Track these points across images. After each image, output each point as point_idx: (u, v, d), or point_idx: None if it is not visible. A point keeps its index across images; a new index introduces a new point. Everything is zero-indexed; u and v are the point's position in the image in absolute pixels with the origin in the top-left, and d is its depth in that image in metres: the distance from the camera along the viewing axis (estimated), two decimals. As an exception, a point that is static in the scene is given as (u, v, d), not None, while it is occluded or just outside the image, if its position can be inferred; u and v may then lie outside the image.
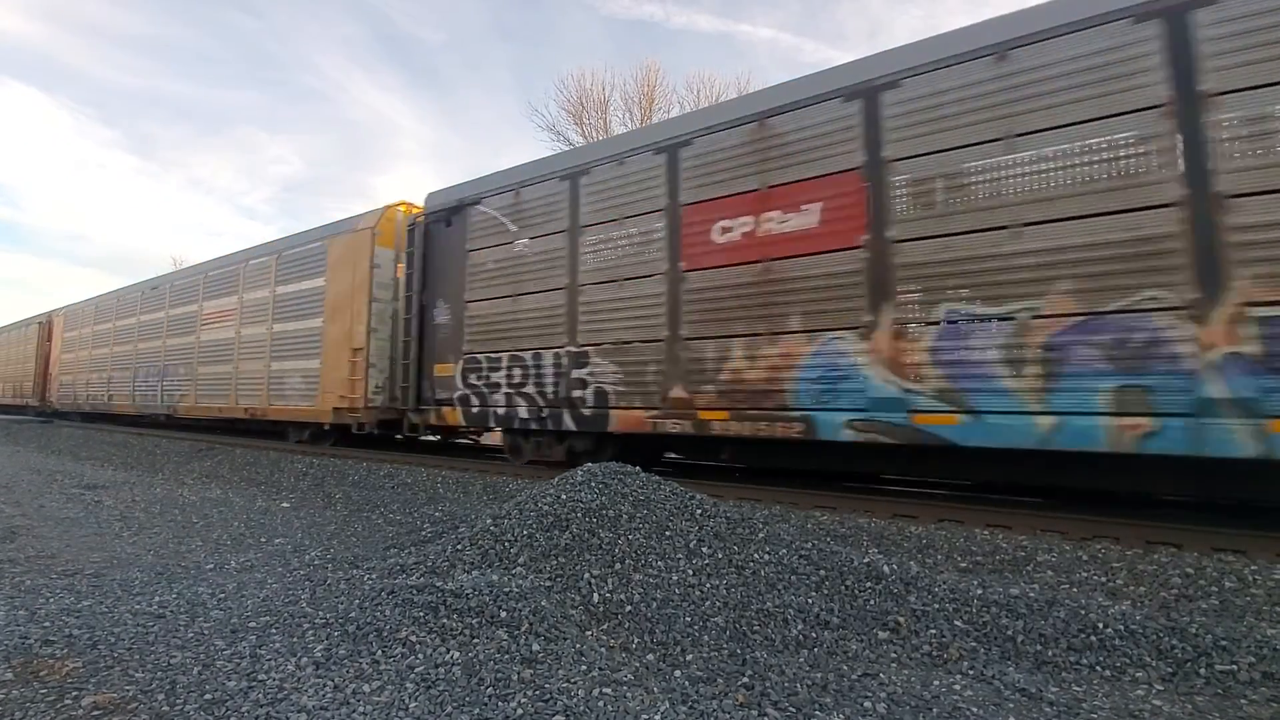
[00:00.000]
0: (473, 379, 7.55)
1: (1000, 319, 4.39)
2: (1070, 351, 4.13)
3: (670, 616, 2.89)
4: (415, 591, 2.92)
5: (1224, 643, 2.59)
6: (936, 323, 4.62)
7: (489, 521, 3.67)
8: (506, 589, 2.89)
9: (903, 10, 36.01)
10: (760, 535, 3.52)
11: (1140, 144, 4.01)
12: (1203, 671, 2.52)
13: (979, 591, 3.01)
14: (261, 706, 2.13)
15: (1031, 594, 2.99)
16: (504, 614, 2.72)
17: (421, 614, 2.76)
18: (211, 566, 3.92)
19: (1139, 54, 4.05)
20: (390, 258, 9.18)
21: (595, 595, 3.03)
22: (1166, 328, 3.86)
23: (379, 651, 2.53)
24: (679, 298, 5.90)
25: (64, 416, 18.26)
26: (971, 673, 2.55)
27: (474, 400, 7.50)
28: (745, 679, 2.44)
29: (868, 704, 2.27)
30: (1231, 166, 3.75)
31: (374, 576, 3.44)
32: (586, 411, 6.41)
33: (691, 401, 5.73)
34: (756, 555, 3.34)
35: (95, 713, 2.09)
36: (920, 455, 5.12)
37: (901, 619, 2.88)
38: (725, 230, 5.70)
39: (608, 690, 2.25)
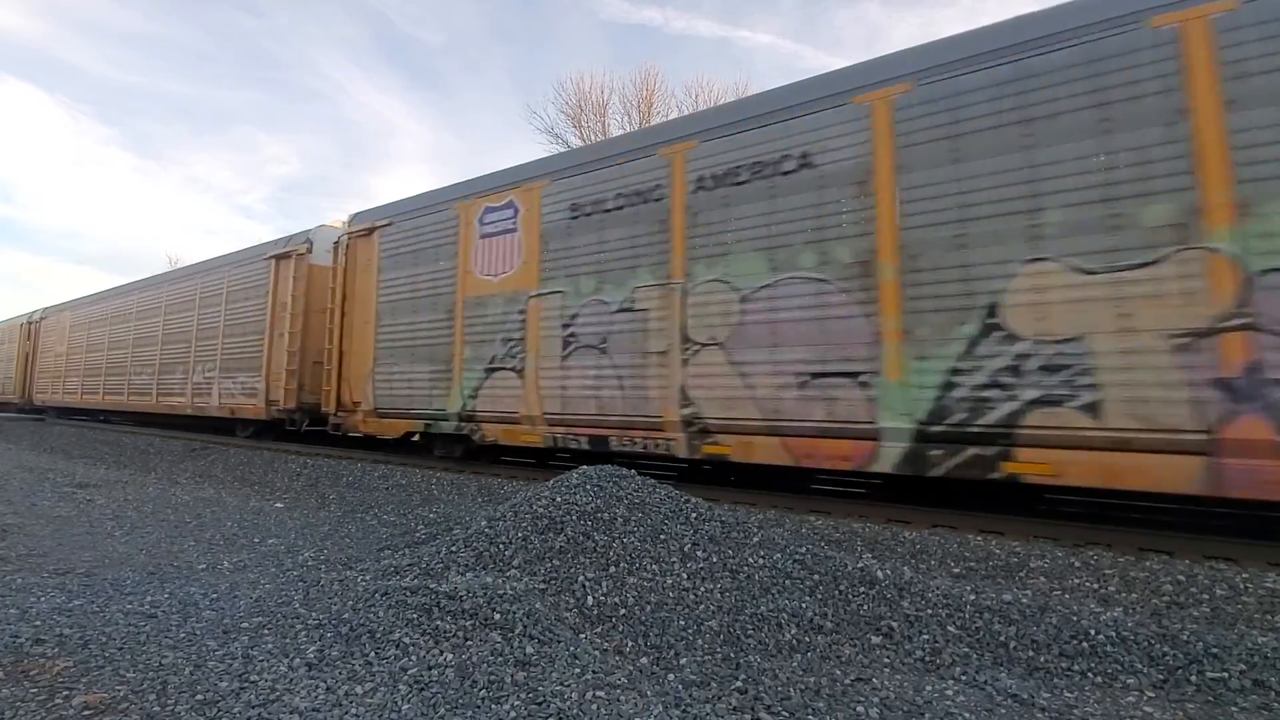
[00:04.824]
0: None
1: None
2: None
3: (664, 620, 2.89)
4: (409, 593, 2.92)
5: (1215, 650, 2.61)
6: None
7: (484, 523, 3.66)
8: (501, 591, 2.89)
9: (900, 18, 36.30)
10: (755, 539, 3.52)
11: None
12: (1194, 679, 2.53)
13: (972, 597, 3.01)
14: (254, 708, 2.12)
15: (1024, 600, 3.00)
16: (498, 616, 2.72)
17: (415, 616, 2.76)
18: (204, 566, 3.90)
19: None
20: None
21: (590, 598, 3.03)
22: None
23: (372, 653, 2.53)
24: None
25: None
26: (964, 678, 2.56)
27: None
28: (739, 683, 2.44)
29: (860, 709, 2.28)
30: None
31: (368, 578, 3.43)
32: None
33: None
34: (751, 559, 3.34)
35: (86, 712, 2.08)
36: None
37: (895, 624, 2.89)
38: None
39: (601, 693, 2.25)
